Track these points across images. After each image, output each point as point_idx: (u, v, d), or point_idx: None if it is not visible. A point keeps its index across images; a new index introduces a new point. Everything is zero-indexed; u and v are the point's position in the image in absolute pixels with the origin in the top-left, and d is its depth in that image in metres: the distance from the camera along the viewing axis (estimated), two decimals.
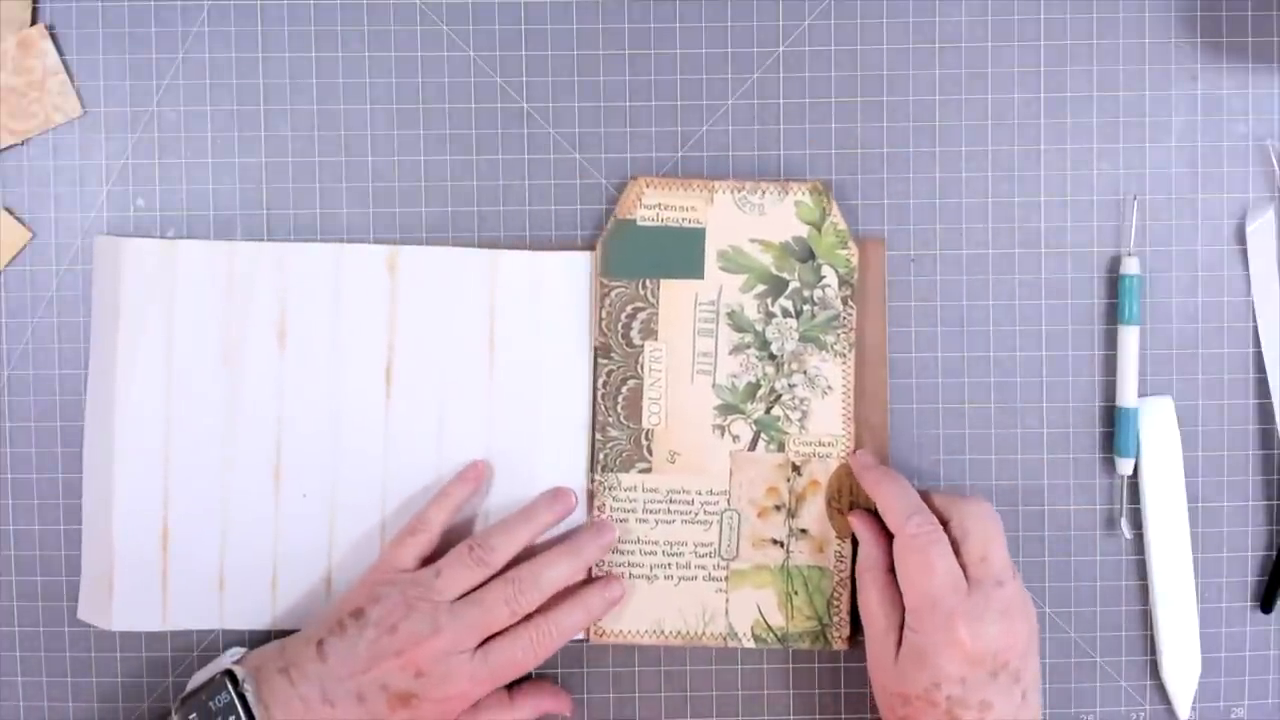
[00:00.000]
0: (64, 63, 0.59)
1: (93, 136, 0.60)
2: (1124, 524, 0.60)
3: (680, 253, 0.59)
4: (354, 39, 0.60)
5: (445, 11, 0.60)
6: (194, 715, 0.52)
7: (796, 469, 0.59)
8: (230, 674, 0.52)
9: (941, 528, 0.53)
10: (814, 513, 0.59)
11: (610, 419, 0.59)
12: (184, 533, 0.59)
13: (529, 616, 0.55)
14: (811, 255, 0.59)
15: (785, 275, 0.59)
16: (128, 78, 0.60)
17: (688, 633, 0.59)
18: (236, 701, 0.52)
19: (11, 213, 0.59)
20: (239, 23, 0.60)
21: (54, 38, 0.59)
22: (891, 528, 0.55)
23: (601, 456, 0.59)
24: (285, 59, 0.60)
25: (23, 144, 0.59)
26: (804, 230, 0.59)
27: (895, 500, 0.55)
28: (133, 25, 0.59)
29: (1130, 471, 0.60)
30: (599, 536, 0.58)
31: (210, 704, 0.52)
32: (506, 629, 0.54)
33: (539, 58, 0.60)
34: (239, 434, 0.59)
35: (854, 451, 0.59)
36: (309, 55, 0.60)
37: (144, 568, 0.59)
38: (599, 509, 0.59)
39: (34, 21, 0.59)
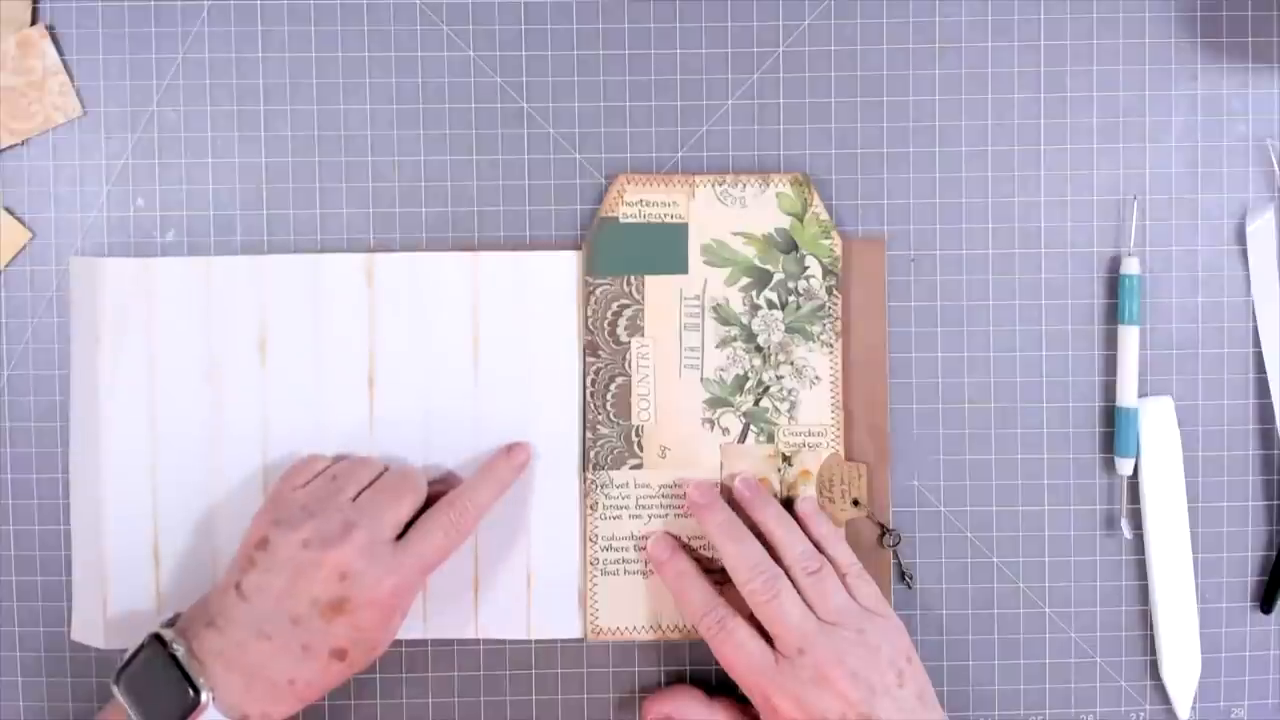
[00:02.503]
0: (64, 63, 0.59)
1: (93, 136, 0.60)
2: (1124, 524, 0.60)
3: (664, 248, 0.59)
4: (354, 39, 0.60)
5: (445, 11, 0.60)
6: (134, 688, 0.50)
7: (787, 459, 0.59)
8: (158, 637, 0.51)
9: (729, 614, 0.54)
10: None
11: (600, 417, 0.59)
12: (175, 550, 0.59)
13: (442, 499, 0.55)
14: (795, 246, 0.59)
15: (769, 267, 0.59)
16: (128, 78, 0.60)
17: (685, 627, 0.59)
18: (170, 663, 0.50)
19: (11, 213, 0.59)
20: (239, 23, 0.60)
21: (54, 38, 0.59)
22: (693, 624, 0.56)
23: (592, 455, 0.59)
24: (285, 59, 0.60)
25: (23, 144, 0.60)
26: (786, 221, 0.59)
27: (692, 597, 0.56)
28: (133, 25, 0.60)
29: (1130, 471, 0.60)
30: (512, 458, 0.58)
31: (146, 671, 0.50)
32: (421, 515, 0.54)
33: (539, 58, 0.60)
34: (225, 449, 0.59)
35: (656, 540, 0.58)
36: (309, 55, 0.60)
37: (136, 587, 0.58)
38: (592, 507, 0.59)
39: (34, 21, 0.59)
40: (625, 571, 0.59)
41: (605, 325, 0.59)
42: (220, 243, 0.60)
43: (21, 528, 0.60)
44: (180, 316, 0.59)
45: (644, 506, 0.59)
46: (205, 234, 0.60)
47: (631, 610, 0.59)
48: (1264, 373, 0.60)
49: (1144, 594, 0.60)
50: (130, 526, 0.58)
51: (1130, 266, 0.59)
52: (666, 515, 0.59)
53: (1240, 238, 0.60)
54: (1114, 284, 0.60)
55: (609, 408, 0.59)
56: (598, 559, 0.59)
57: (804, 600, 0.54)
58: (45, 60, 0.59)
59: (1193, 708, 0.60)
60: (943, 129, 0.60)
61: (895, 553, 0.60)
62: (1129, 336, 0.59)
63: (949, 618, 0.60)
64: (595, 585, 0.59)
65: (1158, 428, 0.59)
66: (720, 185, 0.59)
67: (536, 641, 0.60)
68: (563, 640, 0.60)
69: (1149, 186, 0.60)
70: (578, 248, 0.59)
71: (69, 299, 0.59)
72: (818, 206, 0.59)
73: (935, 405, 0.60)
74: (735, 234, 0.59)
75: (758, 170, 0.60)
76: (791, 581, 0.54)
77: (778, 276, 0.59)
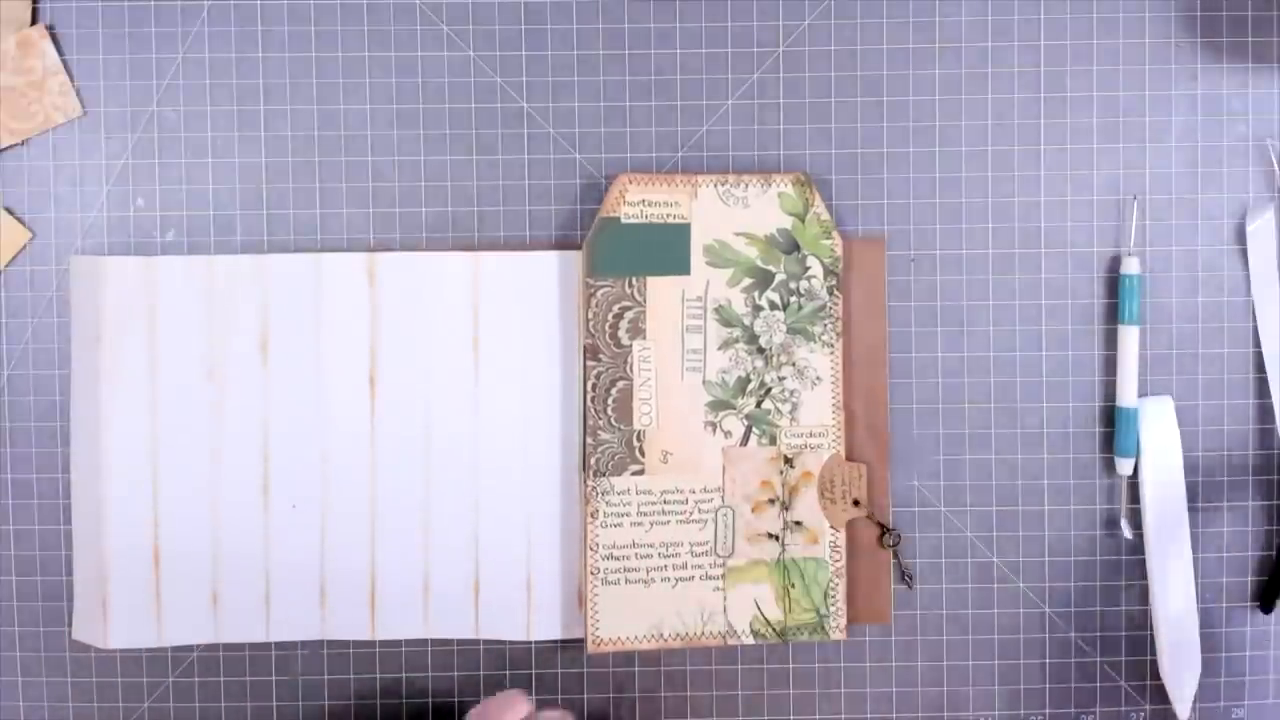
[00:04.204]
0: (64, 63, 0.59)
1: (93, 136, 0.60)
2: (1124, 524, 0.60)
3: (666, 249, 0.59)
4: (354, 39, 0.60)
5: (445, 11, 0.60)
6: None
7: (789, 461, 0.59)
8: None
9: None
10: (807, 504, 0.59)
11: (600, 422, 0.59)
12: (175, 549, 0.59)
13: None
14: (796, 246, 0.59)
15: (771, 268, 0.59)
16: (128, 78, 0.60)
17: (687, 634, 0.59)
18: None
19: (11, 213, 0.59)
20: (239, 23, 0.60)
21: (54, 38, 0.59)
22: None
23: (593, 461, 0.58)
24: (285, 59, 0.60)
25: (23, 144, 0.59)
26: (788, 222, 0.59)
27: None
28: (133, 25, 0.59)
29: (1130, 471, 0.60)
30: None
31: None
32: None
33: (539, 58, 0.60)
34: (226, 448, 0.59)
35: None
36: (309, 55, 0.60)
37: (137, 586, 0.58)
38: (593, 515, 0.59)
39: (34, 21, 0.59)
40: (626, 580, 0.59)
41: (606, 328, 0.58)
42: (220, 243, 0.60)
43: (21, 528, 0.60)
44: (181, 315, 0.59)
45: (645, 513, 0.59)
46: (205, 234, 0.60)
47: (633, 620, 0.59)
48: (1264, 373, 0.60)
49: (1144, 594, 0.60)
50: (130, 526, 0.58)
51: (1130, 266, 0.59)
52: (669, 521, 0.59)
53: (1240, 238, 0.60)
54: (1114, 284, 0.60)
55: (610, 412, 0.58)
56: (598, 568, 0.59)
57: None
58: (45, 60, 0.59)
59: (1193, 708, 0.60)
60: (943, 129, 0.60)
61: (895, 553, 0.60)
62: (1129, 336, 0.59)
63: (949, 618, 0.60)
64: (596, 595, 0.59)
65: (1158, 428, 0.59)
66: (723, 185, 0.59)
67: (536, 642, 0.60)
68: (563, 641, 0.60)
69: (1149, 186, 0.60)
70: (578, 248, 0.59)
71: (70, 298, 0.59)
72: (819, 206, 0.59)
73: (935, 405, 0.60)
74: (738, 234, 0.59)
75: (758, 170, 0.60)
76: None
77: (779, 277, 0.59)
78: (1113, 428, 0.60)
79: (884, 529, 0.60)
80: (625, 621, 0.59)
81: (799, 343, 0.59)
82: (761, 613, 0.59)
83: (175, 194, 0.60)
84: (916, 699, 0.61)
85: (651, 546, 0.59)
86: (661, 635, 0.59)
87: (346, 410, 0.59)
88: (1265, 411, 0.60)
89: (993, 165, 0.60)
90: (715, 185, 0.59)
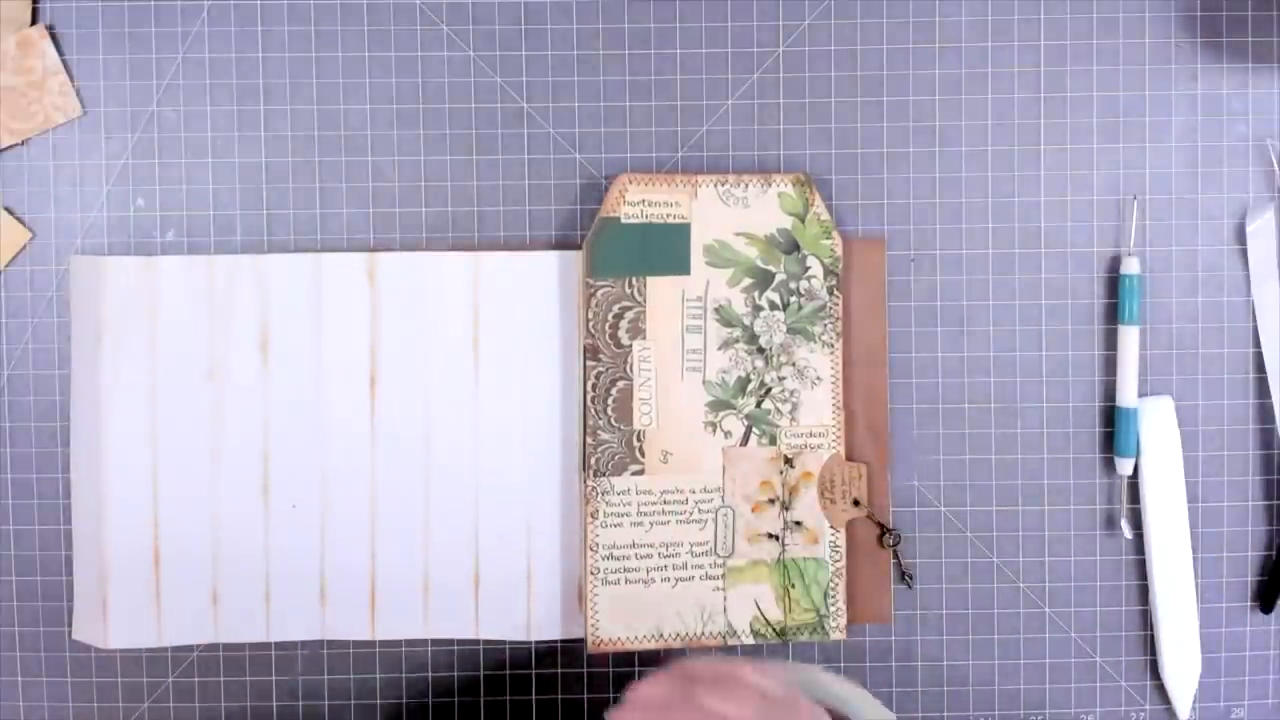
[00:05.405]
0: (64, 63, 0.59)
1: (93, 136, 0.60)
2: (1124, 524, 0.60)
3: (666, 249, 0.59)
4: (354, 39, 0.60)
5: (445, 11, 0.60)
6: None
7: (789, 461, 0.59)
8: None
9: None
10: (807, 504, 0.59)
11: (600, 422, 0.59)
12: (175, 549, 0.59)
13: None
14: (796, 247, 0.59)
15: (771, 268, 0.59)
16: (128, 78, 0.60)
17: (687, 634, 0.59)
18: None
19: (11, 213, 0.59)
20: (239, 23, 0.60)
21: (54, 38, 0.59)
22: None
23: (593, 461, 0.59)
24: (285, 59, 0.60)
25: (23, 144, 0.59)
26: (788, 222, 0.59)
27: None
28: (133, 25, 0.59)
29: (1130, 471, 0.60)
30: None
31: None
32: None
33: (539, 58, 0.60)
34: (226, 448, 0.59)
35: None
36: (309, 55, 0.60)
37: (137, 586, 0.59)
38: (593, 515, 0.59)
39: (34, 21, 0.59)
40: (626, 580, 0.59)
41: (606, 328, 0.58)
42: (220, 243, 0.60)
43: (21, 528, 0.60)
44: (182, 315, 0.59)
45: (645, 513, 0.59)
46: (205, 234, 0.60)
47: (633, 620, 0.59)
48: (1264, 373, 0.60)
49: (1144, 594, 0.60)
50: (131, 526, 0.58)
51: (1130, 266, 0.59)
52: (669, 521, 0.59)
53: (1240, 238, 0.60)
54: (1114, 284, 0.60)
55: (610, 412, 0.58)
56: (598, 568, 0.59)
57: None
58: (45, 60, 0.59)
59: (1193, 708, 0.60)
60: (943, 129, 0.60)
61: (895, 553, 0.60)
62: (1129, 336, 0.59)
63: (949, 618, 0.60)
64: (596, 595, 0.59)
65: (1158, 428, 0.60)
66: (723, 185, 0.59)
67: (536, 642, 0.60)
68: (563, 641, 0.60)
69: (1149, 186, 0.60)
70: (578, 247, 0.59)
71: (70, 298, 0.59)
72: (819, 207, 0.59)
73: (935, 405, 0.60)
74: (738, 234, 0.59)
75: (758, 170, 0.60)
76: None
77: (779, 277, 0.59)
78: (1113, 428, 0.60)
79: (884, 529, 0.60)
80: (625, 621, 0.59)
81: (799, 343, 0.59)
82: (761, 613, 0.59)
83: (175, 194, 0.60)
84: (916, 699, 0.61)
85: (651, 546, 0.59)
86: (661, 635, 0.59)
87: (346, 410, 0.59)
88: (1265, 411, 0.60)
89: (993, 165, 0.60)
90: (715, 185, 0.59)
